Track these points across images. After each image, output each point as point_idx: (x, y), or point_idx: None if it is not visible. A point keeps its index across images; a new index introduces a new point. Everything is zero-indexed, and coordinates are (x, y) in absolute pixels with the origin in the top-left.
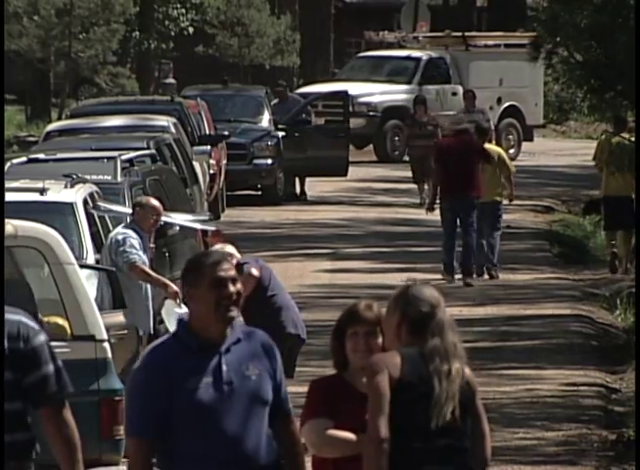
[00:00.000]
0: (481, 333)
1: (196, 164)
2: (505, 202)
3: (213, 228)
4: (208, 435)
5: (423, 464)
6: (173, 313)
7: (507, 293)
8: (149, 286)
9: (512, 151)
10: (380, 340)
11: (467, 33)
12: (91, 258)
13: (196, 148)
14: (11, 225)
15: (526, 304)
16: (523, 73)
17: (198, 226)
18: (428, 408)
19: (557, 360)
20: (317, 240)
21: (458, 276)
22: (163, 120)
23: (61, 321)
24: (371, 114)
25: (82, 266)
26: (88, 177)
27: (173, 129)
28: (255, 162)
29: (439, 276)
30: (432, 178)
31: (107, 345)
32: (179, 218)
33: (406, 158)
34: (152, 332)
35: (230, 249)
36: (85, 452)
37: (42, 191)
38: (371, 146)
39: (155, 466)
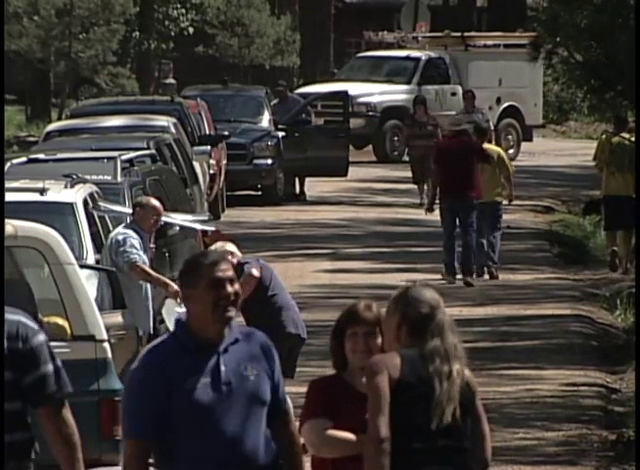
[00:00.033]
0: (481, 333)
1: (196, 165)
2: (505, 202)
3: (213, 228)
4: (207, 435)
5: (423, 465)
6: (174, 313)
7: (507, 293)
8: (149, 286)
9: (511, 151)
10: (379, 340)
11: (466, 33)
12: (91, 258)
13: (196, 148)
14: (11, 225)
15: (526, 304)
16: (522, 74)
17: (198, 226)
18: (428, 409)
19: (557, 360)
20: (317, 240)
21: (459, 276)
22: (163, 121)
23: (61, 321)
24: (370, 114)
25: (82, 266)
26: (88, 177)
27: (173, 129)
28: (255, 162)
29: (439, 276)
30: (431, 179)
31: (107, 345)
32: (179, 218)
33: (406, 158)
34: (152, 332)
35: (231, 247)
36: (85, 453)
37: (42, 191)
38: (370, 146)
39: (152, 466)
